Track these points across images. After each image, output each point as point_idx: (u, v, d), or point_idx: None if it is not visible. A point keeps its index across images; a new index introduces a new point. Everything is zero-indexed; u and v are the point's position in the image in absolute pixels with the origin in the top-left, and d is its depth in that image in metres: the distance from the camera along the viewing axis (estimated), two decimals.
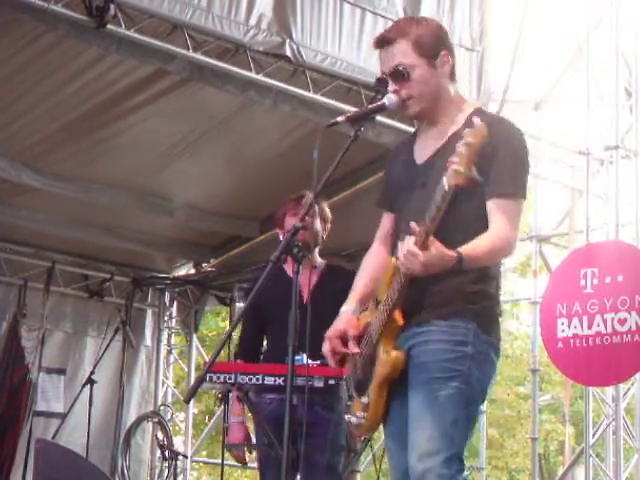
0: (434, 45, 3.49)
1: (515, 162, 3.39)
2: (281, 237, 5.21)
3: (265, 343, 5.31)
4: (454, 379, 3.32)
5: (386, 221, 3.70)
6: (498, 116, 3.73)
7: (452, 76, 3.54)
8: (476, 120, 3.10)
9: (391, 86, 3.47)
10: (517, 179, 3.39)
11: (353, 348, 3.47)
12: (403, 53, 3.45)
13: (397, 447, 3.46)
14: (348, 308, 3.56)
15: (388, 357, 3.38)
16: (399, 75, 3.45)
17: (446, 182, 3.08)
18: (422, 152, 3.54)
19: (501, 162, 3.30)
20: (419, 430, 3.31)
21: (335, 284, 4.69)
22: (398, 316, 3.37)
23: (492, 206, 3.31)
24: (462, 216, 3.31)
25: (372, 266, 3.64)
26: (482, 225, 3.34)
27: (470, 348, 3.35)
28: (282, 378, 4.68)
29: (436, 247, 3.14)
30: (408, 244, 3.16)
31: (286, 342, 4.76)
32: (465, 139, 3.05)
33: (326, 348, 3.52)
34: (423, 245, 3.14)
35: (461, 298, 3.37)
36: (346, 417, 3.58)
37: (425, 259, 3.13)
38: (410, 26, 3.50)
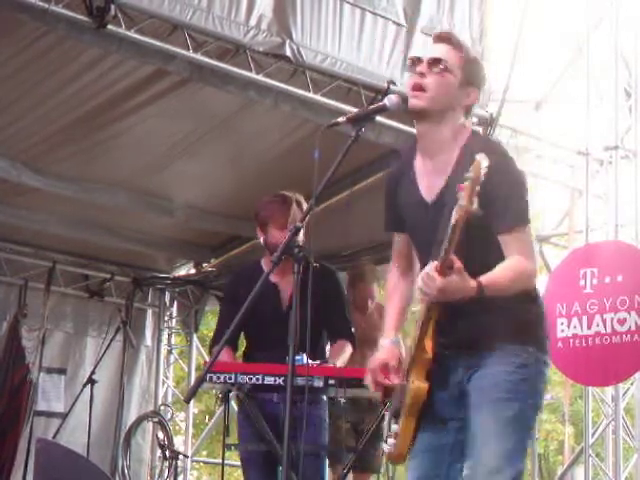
0: (474, 77, 3.53)
1: (514, 191, 3.41)
2: (261, 240, 5.20)
3: (246, 343, 5.32)
4: (516, 401, 3.39)
5: (399, 240, 3.73)
6: (490, 143, 3.70)
7: (467, 112, 3.56)
8: (479, 156, 3.12)
9: (421, 67, 3.46)
10: (519, 208, 3.41)
11: (394, 379, 3.52)
12: (453, 58, 3.48)
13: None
14: (388, 340, 3.59)
15: (412, 386, 3.42)
16: (438, 64, 3.46)
17: (453, 217, 3.12)
18: (429, 189, 3.53)
19: (501, 194, 3.32)
20: (485, 447, 3.35)
21: (317, 284, 4.78)
22: (428, 347, 3.41)
23: (504, 240, 3.34)
24: (482, 244, 3.35)
25: (397, 293, 3.71)
26: (501, 253, 3.39)
27: (530, 371, 3.42)
28: (282, 378, 4.69)
29: (459, 275, 3.18)
30: (428, 268, 3.20)
31: (264, 342, 4.80)
32: (468, 173, 3.10)
33: (369, 379, 3.57)
34: (442, 271, 3.17)
35: (520, 325, 3.43)
36: (382, 445, 3.62)
37: (442, 285, 3.17)
38: (468, 50, 3.55)
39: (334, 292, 5.21)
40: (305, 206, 4.97)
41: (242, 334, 5.24)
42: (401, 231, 3.69)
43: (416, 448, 3.50)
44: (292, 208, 5.00)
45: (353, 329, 5.32)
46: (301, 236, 4.49)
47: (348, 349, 5.13)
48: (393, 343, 3.58)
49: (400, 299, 3.68)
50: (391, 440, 3.51)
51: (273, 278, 4.87)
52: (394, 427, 3.49)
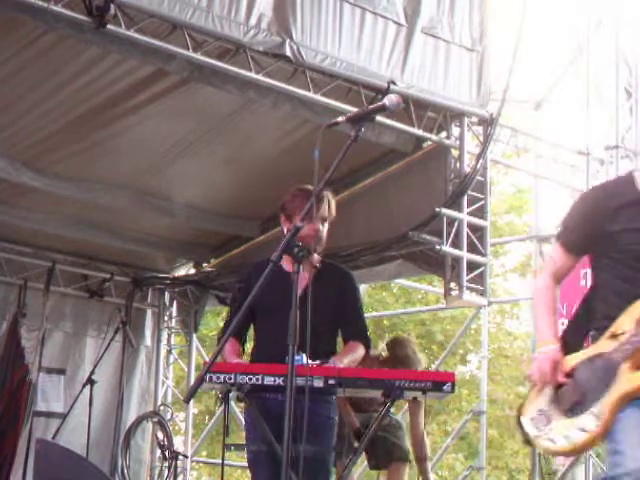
0: None
1: None
2: (285, 230, 5.18)
3: (255, 338, 5.30)
4: None
5: (566, 261, 3.83)
6: None
7: None
8: None
9: None
10: None
11: (562, 378, 3.66)
12: None
13: None
14: (554, 346, 3.73)
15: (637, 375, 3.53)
16: None
17: None
18: None
19: None
20: None
21: (329, 281, 4.76)
22: None
23: None
24: None
25: (553, 305, 3.84)
26: None
27: None
28: (282, 378, 4.68)
29: None
30: None
31: (276, 335, 4.78)
32: None
33: (535, 374, 3.72)
34: None
35: None
36: (542, 444, 3.72)
37: None
38: None
39: (351, 293, 5.18)
40: (333, 205, 4.99)
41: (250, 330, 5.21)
42: (580, 255, 3.80)
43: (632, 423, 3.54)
44: (322, 204, 4.97)
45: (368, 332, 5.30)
46: (325, 231, 4.59)
47: (360, 350, 5.09)
48: (559, 350, 3.70)
49: (556, 310, 3.84)
50: (576, 431, 3.56)
51: (288, 268, 4.85)
52: (593, 410, 3.54)
